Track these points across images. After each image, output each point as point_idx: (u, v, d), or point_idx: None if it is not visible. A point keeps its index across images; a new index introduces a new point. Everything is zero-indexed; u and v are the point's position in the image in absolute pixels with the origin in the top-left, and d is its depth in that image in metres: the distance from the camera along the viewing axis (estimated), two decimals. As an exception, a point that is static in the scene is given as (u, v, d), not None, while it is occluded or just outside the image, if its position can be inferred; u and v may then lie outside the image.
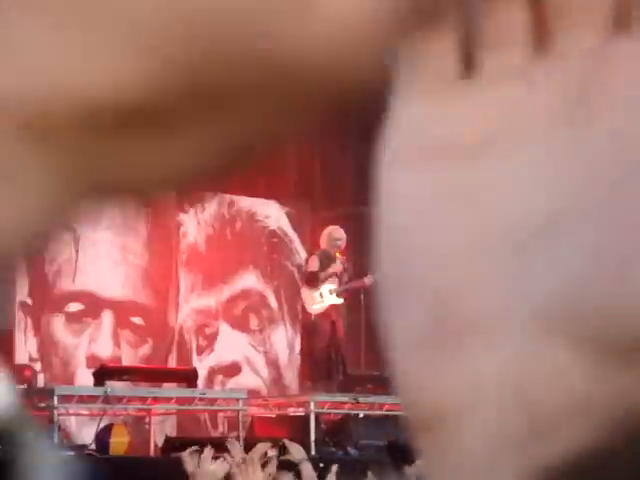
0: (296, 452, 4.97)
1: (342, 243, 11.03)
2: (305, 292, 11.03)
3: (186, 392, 9.56)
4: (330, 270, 10.97)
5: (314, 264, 10.93)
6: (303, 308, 12.19)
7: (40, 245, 0.39)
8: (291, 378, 13.33)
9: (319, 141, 15.41)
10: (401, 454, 7.01)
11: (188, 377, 9.88)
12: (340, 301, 10.93)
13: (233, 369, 12.95)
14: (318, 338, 10.59)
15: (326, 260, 10.92)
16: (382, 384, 11.04)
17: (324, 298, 10.90)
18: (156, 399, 9.49)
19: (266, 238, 13.44)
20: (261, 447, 4.76)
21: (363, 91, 0.37)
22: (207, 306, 12.94)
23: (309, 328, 10.72)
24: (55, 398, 8.78)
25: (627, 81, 0.34)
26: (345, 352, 10.77)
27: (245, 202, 13.43)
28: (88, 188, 0.37)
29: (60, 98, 0.35)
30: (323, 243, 11.14)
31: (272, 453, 4.89)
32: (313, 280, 10.83)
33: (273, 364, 13.25)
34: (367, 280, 11.11)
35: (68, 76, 0.35)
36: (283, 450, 4.96)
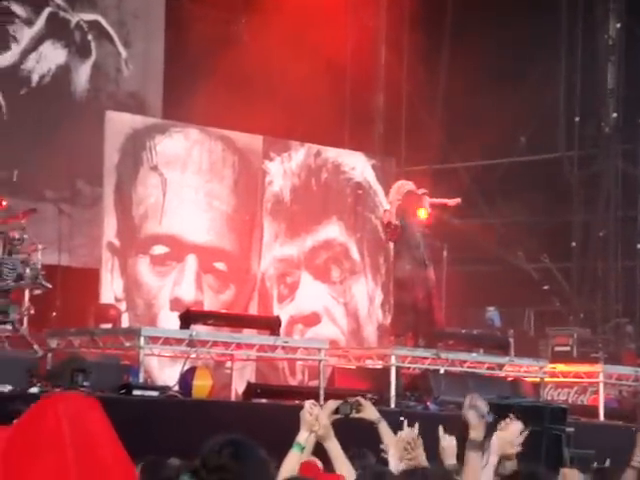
0: (371, 412, 4.89)
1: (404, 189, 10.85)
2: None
3: (269, 340, 9.61)
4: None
5: (386, 216, 10.80)
6: (389, 263, 12.18)
7: None
8: (370, 330, 13.35)
9: (406, 98, 15.30)
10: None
11: (271, 325, 9.92)
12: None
13: (313, 319, 13.00)
14: (408, 293, 10.54)
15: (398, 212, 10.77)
16: (464, 341, 11.01)
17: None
18: (239, 345, 9.55)
19: (351, 190, 13.41)
20: (331, 404, 4.69)
21: None
22: (289, 255, 12.98)
23: (400, 282, 10.66)
24: (142, 338, 8.87)
25: None
26: (432, 308, 10.72)
27: (331, 153, 13.40)
28: None
29: None
30: (392, 196, 10.96)
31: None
32: (389, 229, 10.71)
33: (353, 316, 13.27)
34: (452, 202, 11.03)
35: None
36: (357, 409, 4.87)
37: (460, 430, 5.03)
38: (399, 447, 4.74)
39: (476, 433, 4.50)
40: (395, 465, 4.66)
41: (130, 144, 11.97)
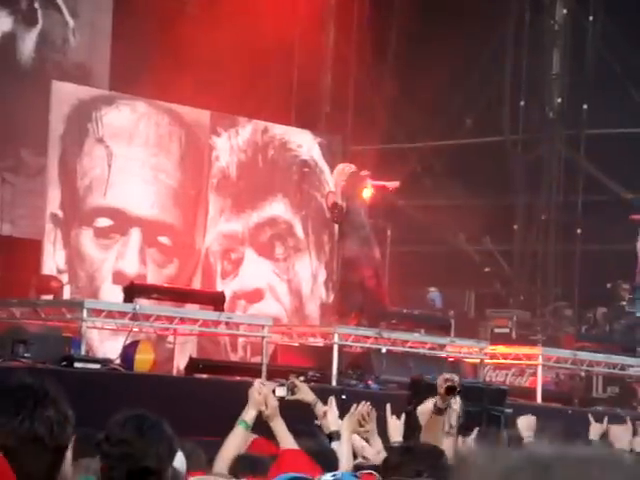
0: (307, 393, 4.95)
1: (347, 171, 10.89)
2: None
3: (213, 315, 9.60)
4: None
5: (332, 198, 10.84)
6: (333, 241, 12.22)
7: None
8: (312, 308, 13.39)
9: (354, 77, 15.32)
10: (425, 391, 7.04)
11: (215, 300, 9.91)
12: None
13: (256, 295, 13.01)
14: (355, 272, 10.58)
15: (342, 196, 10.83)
16: (406, 321, 11.09)
17: None
18: (182, 320, 9.55)
19: (297, 167, 13.42)
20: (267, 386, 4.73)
21: None
22: (234, 231, 12.96)
23: (347, 261, 10.70)
24: (84, 311, 8.83)
25: None
26: (377, 287, 10.79)
27: (279, 130, 13.39)
28: None
29: None
30: (335, 178, 11.00)
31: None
32: (335, 210, 10.76)
33: (296, 293, 13.31)
34: (391, 185, 11.07)
35: None
36: (292, 391, 4.91)
37: (406, 409, 5.11)
38: (353, 420, 4.79)
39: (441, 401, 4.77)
40: (347, 439, 4.71)
41: (76, 115, 11.86)
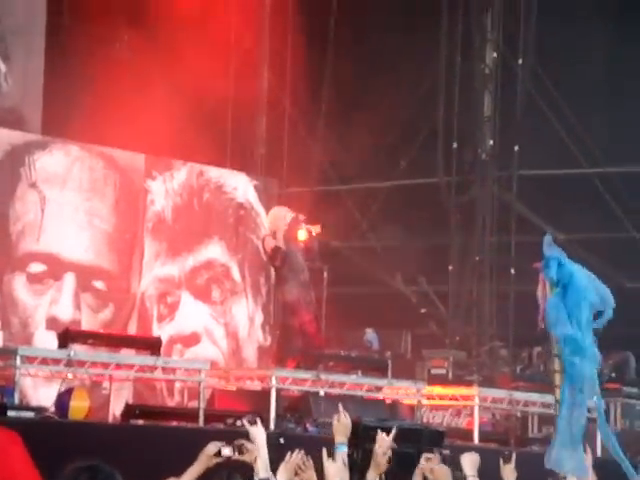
0: (252, 455, 4.93)
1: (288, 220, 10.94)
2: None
3: (149, 360, 9.51)
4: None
5: (270, 242, 10.86)
6: (270, 284, 12.21)
7: None
8: (250, 351, 13.35)
9: (288, 119, 15.40)
10: (363, 434, 7.04)
11: (152, 345, 9.83)
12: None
13: (192, 339, 12.94)
14: (295, 317, 10.59)
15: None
16: (343, 363, 11.09)
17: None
18: (119, 365, 9.45)
19: (233, 210, 13.42)
20: (212, 447, 4.73)
21: None
22: (170, 275, 12.91)
23: (288, 306, 10.69)
24: (18, 358, 8.70)
25: None
26: (312, 329, 10.79)
27: (214, 173, 13.39)
28: None
29: None
30: (272, 224, 11.02)
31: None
32: (278, 255, 10.79)
33: (233, 336, 13.26)
34: (314, 228, 11.03)
35: None
36: (240, 450, 4.89)
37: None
38: (289, 469, 4.78)
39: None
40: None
41: (8, 160, 11.77)
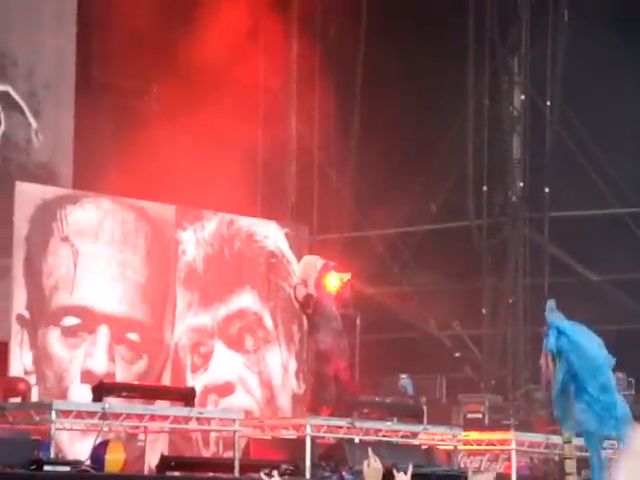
0: None
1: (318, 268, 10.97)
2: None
3: (184, 411, 9.52)
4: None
5: (301, 291, 10.89)
6: (303, 332, 12.20)
7: None
8: (284, 400, 13.31)
9: (318, 167, 15.46)
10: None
11: (186, 396, 9.84)
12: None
13: (227, 389, 12.92)
14: (330, 365, 10.56)
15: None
16: (378, 409, 11.04)
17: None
18: (153, 417, 9.45)
19: (264, 258, 13.43)
20: None
21: None
22: (203, 324, 12.91)
23: (322, 355, 10.66)
24: (53, 412, 8.73)
25: None
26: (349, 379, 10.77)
27: (244, 222, 13.42)
28: None
29: None
30: (303, 273, 11.04)
31: None
32: (309, 303, 10.80)
33: (267, 385, 13.23)
34: (344, 276, 10.97)
35: None
36: None
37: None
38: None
39: None
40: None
41: (40, 215, 11.86)
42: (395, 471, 5.36)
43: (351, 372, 10.95)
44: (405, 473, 5.41)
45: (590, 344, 5.38)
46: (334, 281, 10.90)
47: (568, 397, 5.13)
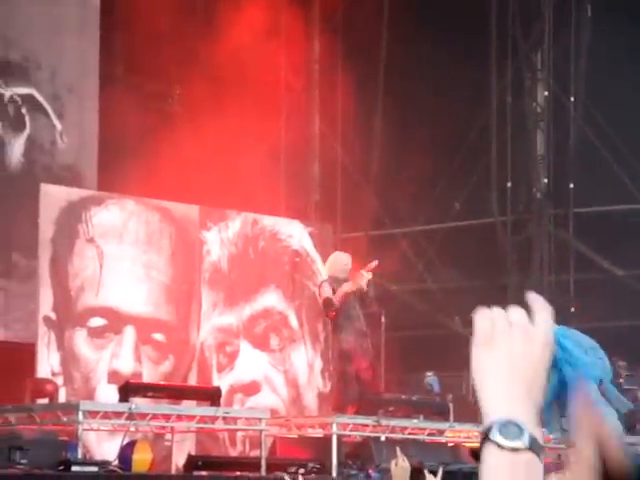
0: None
1: (349, 266, 10.96)
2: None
3: (210, 410, 9.55)
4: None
5: (326, 290, 10.87)
6: (328, 330, 12.20)
7: None
8: (310, 398, 13.32)
9: (341, 165, 15.45)
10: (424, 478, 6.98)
11: (212, 395, 9.87)
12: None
13: (252, 388, 12.94)
14: (353, 365, 10.57)
15: (337, 285, 10.85)
16: (404, 407, 11.03)
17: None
18: (179, 417, 9.49)
19: (289, 257, 13.45)
20: None
21: None
22: (228, 324, 12.94)
23: (345, 354, 10.66)
24: (80, 413, 8.78)
25: None
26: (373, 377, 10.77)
27: (268, 221, 13.45)
28: None
29: None
30: (331, 270, 11.02)
31: None
32: (330, 306, 10.79)
33: (292, 384, 13.24)
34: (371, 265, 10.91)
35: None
36: None
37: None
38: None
39: None
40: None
41: (65, 216, 11.92)
42: (426, 471, 5.35)
43: (374, 371, 10.94)
44: (435, 475, 5.39)
45: (582, 354, 5.37)
46: (361, 280, 10.89)
47: (558, 406, 5.12)
